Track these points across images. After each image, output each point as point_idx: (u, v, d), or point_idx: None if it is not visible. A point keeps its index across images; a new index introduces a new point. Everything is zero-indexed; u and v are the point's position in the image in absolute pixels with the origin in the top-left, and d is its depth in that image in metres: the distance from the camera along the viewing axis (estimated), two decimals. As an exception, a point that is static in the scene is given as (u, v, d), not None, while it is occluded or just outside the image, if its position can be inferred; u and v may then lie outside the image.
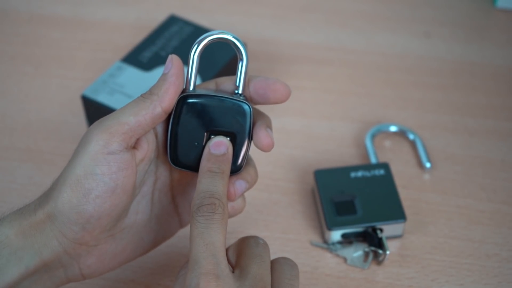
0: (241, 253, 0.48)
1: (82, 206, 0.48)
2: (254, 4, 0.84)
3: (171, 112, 0.51)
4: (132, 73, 0.69)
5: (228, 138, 0.51)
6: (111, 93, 0.67)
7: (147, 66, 0.70)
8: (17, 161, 0.68)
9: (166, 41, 0.72)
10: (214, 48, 0.71)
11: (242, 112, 0.51)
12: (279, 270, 0.49)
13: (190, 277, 0.44)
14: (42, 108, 0.73)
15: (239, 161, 0.52)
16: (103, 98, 0.67)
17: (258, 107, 0.57)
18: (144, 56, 0.71)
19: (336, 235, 0.61)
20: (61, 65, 0.77)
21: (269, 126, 0.52)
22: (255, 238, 0.50)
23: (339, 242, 0.61)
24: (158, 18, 0.82)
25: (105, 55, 0.78)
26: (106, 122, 0.49)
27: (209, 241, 0.45)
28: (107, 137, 0.48)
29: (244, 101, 0.51)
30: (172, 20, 0.74)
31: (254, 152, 0.69)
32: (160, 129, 0.52)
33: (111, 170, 0.48)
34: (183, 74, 0.51)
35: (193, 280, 0.44)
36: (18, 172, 0.67)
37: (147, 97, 0.50)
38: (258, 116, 0.52)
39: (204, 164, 0.50)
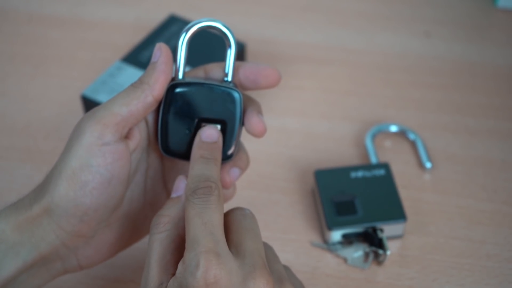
0: (230, 228, 0.47)
1: (79, 199, 0.48)
2: (254, 4, 0.84)
3: (161, 100, 0.51)
4: (131, 73, 0.69)
5: (219, 126, 0.51)
6: (111, 93, 0.67)
7: (146, 66, 0.70)
8: (17, 161, 0.68)
9: (166, 41, 0.72)
10: (215, 46, 0.71)
11: (232, 100, 0.51)
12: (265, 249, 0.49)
13: (190, 257, 0.43)
14: (42, 108, 0.73)
15: (231, 148, 0.52)
16: (103, 98, 0.67)
17: (248, 92, 0.57)
18: (144, 56, 0.71)
19: (336, 235, 0.61)
20: (61, 65, 0.77)
21: (260, 111, 0.52)
22: (240, 209, 0.48)
23: (340, 242, 0.61)
24: (158, 18, 0.82)
25: (105, 55, 0.78)
26: (98, 113, 0.49)
27: (207, 220, 0.44)
28: (100, 129, 0.48)
29: (234, 89, 0.51)
30: (172, 20, 0.74)
31: (253, 151, 0.69)
32: (150, 117, 0.52)
33: (106, 161, 0.48)
34: (172, 62, 0.51)
35: (193, 260, 0.43)
36: (18, 172, 0.67)
37: (137, 86, 0.50)
38: (248, 102, 0.52)
39: (196, 151, 0.50)
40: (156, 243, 0.47)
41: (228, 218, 0.48)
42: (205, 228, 0.44)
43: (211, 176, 0.47)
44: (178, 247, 0.47)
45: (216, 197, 0.46)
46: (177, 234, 0.47)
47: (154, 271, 0.46)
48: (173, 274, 0.46)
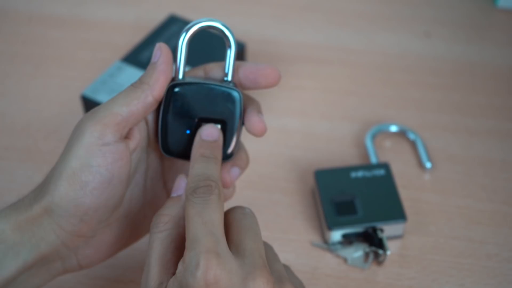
0: (230, 228, 0.47)
1: (79, 199, 0.48)
2: (254, 4, 0.84)
3: (161, 100, 0.51)
4: (131, 73, 0.69)
5: (219, 126, 0.51)
6: (111, 93, 0.67)
7: (146, 66, 0.69)
8: (17, 161, 0.68)
9: (166, 41, 0.72)
10: (215, 46, 0.71)
11: (232, 100, 0.51)
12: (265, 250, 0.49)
13: (190, 256, 0.43)
14: (42, 108, 0.73)
15: (231, 148, 0.52)
16: (103, 98, 0.67)
17: (248, 92, 0.57)
18: (144, 56, 0.71)
19: (336, 235, 0.61)
20: (61, 65, 0.77)
21: (260, 111, 0.52)
22: (240, 209, 0.48)
23: (340, 242, 0.61)
24: (158, 18, 0.82)
25: (105, 55, 0.78)
26: (98, 113, 0.49)
27: (207, 219, 0.44)
28: (101, 129, 0.48)
29: (234, 88, 0.51)
30: (172, 20, 0.74)
31: (253, 151, 0.69)
32: (150, 117, 0.52)
33: (106, 162, 0.48)
34: (172, 62, 0.51)
35: (193, 259, 0.43)
36: (18, 172, 0.67)
37: (137, 86, 0.50)
38: (248, 101, 0.52)
39: (196, 150, 0.50)
40: (156, 242, 0.47)
41: (228, 217, 0.48)
42: (205, 227, 0.44)
43: (212, 175, 0.47)
44: (179, 246, 0.47)
45: (216, 196, 0.46)
46: (177, 233, 0.47)
47: (154, 271, 0.46)
48: (174, 273, 0.46)
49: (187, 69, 0.67)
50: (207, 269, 0.42)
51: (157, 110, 0.52)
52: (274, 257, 0.49)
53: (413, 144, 0.70)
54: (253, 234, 0.46)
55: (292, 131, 0.71)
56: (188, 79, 0.51)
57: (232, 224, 0.47)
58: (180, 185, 0.50)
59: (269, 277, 0.44)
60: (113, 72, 0.69)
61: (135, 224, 0.53)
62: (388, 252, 0.59)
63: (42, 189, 0.49)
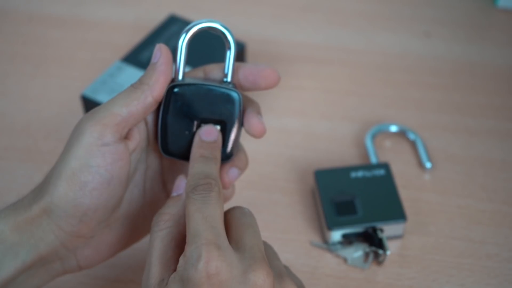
0: (230, 226, 0.47)
1: (78, 199, 0.48)
2: (254, 4, 0.84)
3: (161, 101, 0.51)
4: (131, 73, 0.69)
5: (218, 127, 0.51)
6: (111, 93, 0.67)
7: (146, 66, 0.70)
8: (17, 161, 0.68)
9: (166, 41, 0.72)
10: (215, 47, 0.71)
11: (232, 100, 0.51)
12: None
13: (191, 250, 0.43)
14: (42, 108, 0.73)
15: (230, 148, 0.52)
16: (103, 98, 0.67)
17: (248, 92, 0.57)
18: (144, 56, 0.71)
19: (336, 235, 0.61)
20: (61, 65, 0.77)
21: (259, 112, 0.52)
22: (239, 208, 0.49)
23: (340, 242, 0.61)
24: (158, 18, 0.82)
25: (105, 55, 0.78)
26: (98, 113, 0.49)
27: (208, 214, 0.45)
28: (100, 129, 0.48)
29: (234, 89, 0.51)
30: (172, 20, 0.74)
31: (253, 151, 0.69)
32: (150, 118, 0.52)
33: (106, 162, 0.48)
34: (171, 62, 0.51)
35: (194, 252, 0.43)
36: (18, 172, 0.67)
37: (137, 87, 0.50)
38: (248, 103, 0.53)
39: (195, 150, 0.50)
40: (157, 240, 0.47)
41: (227, 216, 0.48)
42: (205, 222, 0.44)
43: (211, 174, 0.48)
44: (179, 244, 0.47)
45: (216, 193, 0.46)
46: (178, 231, 0.48)
47: (155, 268, 0.46)
48: (174, 270, 0.46)
49: (187, 70, 0.67)
50: (208, 260, 0.43)
51: (157, 110, 0.52)
52: (273, 255, 0.49)
53: (413, 144, 0.70)
54: (252, 231, 0.47)
55: (292, 131, 0.71)
56: (187, 80, 0.51)
57: (231, 222, 0.47)
58: (180, 185, 0.50)
59: (269, 270, 0.44)
60: (113, 72, 0.69)
61: (135, 224, 0.53)
62: (388, 252, 0.59)
63: (41, 189, 0.49)
